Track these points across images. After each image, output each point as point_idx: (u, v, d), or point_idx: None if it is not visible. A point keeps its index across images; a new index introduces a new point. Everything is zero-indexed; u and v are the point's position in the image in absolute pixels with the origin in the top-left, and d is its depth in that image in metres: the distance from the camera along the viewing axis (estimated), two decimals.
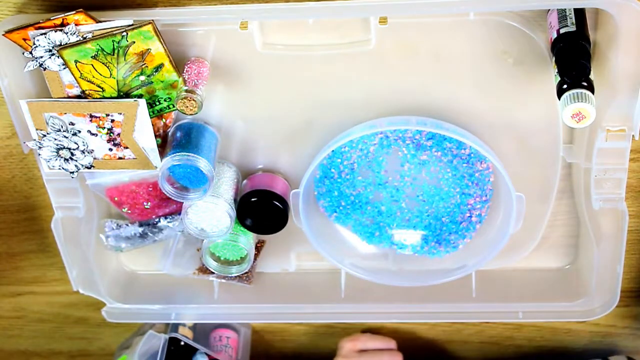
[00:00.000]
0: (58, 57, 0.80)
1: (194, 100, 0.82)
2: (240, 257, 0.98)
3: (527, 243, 0.97)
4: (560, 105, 0.76)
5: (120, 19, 0.79)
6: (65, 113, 0.84)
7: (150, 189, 0.94)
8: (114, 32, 0.78)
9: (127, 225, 0.99)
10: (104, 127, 0.85)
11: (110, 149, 0.87)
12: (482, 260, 0.96)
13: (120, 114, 0.83)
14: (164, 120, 0.88)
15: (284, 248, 1.03)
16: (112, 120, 0.84)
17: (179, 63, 0.83)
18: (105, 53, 0.80)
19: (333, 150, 0.90)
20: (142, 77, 0.82)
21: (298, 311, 1.03)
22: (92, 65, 0.81)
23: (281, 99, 0.88)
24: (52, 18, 0.78)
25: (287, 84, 0.87)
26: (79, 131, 0.85)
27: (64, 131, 0.85)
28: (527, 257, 0.99)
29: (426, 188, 0.93)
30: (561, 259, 1.01)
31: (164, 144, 0.88)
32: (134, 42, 0.79)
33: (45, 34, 0.79)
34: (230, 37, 0.83)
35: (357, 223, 0.97)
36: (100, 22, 0.79)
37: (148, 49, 0.80)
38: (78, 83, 0.82)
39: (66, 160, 0.88)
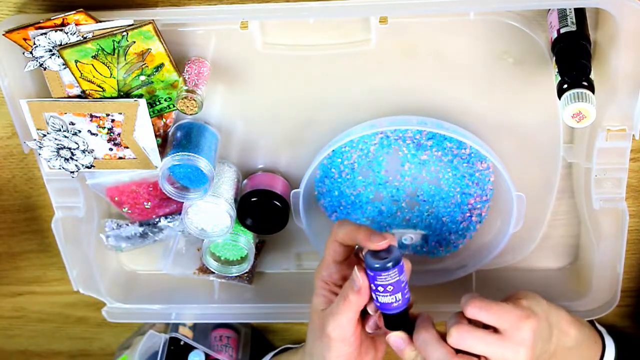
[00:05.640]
0: (58, 57, 0.80)
1: (194, 100, 0.82)
2: (241, 257, 0.98)
3: (527, 243, 0.97)
4: (561, 105, 0.76)
5: (120, 19, 0.79)
6: (66, 113, 0.84)
7: (151, 189, 0.94)
8: (114, 32, 0.78)
9: (127, 225, 0.99)
10: (104, 127, 0.85)
11: (111, 149, 0.87)
12: (482, 260, 0.96)
13: (121, 113, 0.83)
14: (164, 120, 0.88)
15: (284, 248, 1.02)
16: (113, 120, 0.84)
17: (179, 63, 0.83)
18: (105, 53, 0.80)
19: (333, 150, 0.90)
20: (143, 77, 0.82)
21: (298, 311, 1.03)
22: (93, 65, 0.81)
23: (281, 99, 0.88)
24: (52, 18, 0.78)
25: (287, 84, 0.87)
26: (79, 131, 0.85)
27: (64, 131, 0.85)
28: (527, 257, 0.98)
29: (426, 188, 0.93)
30: (561, 259, 1.01)
31: (164, 144, 0.88)
32: (134, 42, 0.79)
33: (45, 33, 0.79)
34: (230, 37, 0.83)
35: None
36: (101, 22, 0.79)
37: (148, 49, 0.80)
38: (78, 83, 0.82)
39: (66, 160, 0.88)
